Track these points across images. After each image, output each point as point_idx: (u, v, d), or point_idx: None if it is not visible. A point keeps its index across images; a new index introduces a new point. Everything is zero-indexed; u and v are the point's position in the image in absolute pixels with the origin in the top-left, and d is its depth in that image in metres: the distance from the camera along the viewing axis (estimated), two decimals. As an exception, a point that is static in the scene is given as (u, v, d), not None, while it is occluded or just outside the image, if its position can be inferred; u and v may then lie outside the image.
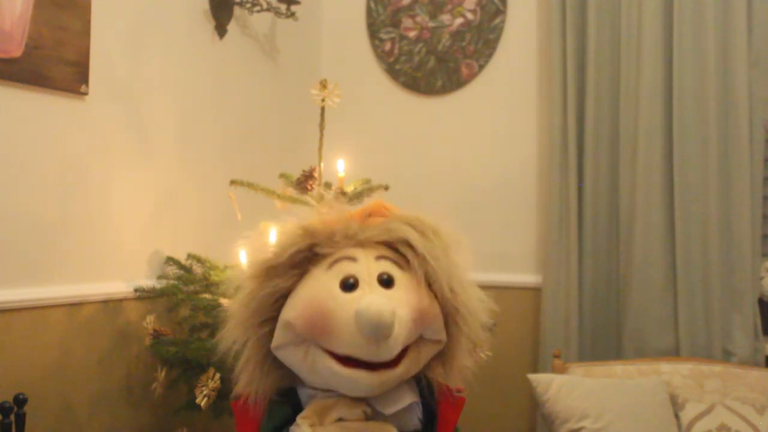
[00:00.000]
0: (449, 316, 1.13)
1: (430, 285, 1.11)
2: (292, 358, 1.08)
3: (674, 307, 2.44)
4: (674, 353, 2.42)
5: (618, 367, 2.31)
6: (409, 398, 1.13)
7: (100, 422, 1.89)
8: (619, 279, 2.54)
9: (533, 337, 2.69)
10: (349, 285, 1.05)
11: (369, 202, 1.18)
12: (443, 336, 1.12)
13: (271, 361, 1.12)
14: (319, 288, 1.06)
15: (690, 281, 2.42)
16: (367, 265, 1.08)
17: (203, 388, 1.66)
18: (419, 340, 1.09)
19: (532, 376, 2.23)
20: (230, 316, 1.15)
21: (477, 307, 1.14)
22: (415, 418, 1.14)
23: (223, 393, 1.69)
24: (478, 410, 2.66)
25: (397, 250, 1.12)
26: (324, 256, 1.10)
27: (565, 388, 2.15)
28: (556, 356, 2.39)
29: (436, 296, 1.11)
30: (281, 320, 1.08)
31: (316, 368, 1.05)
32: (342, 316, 1.02)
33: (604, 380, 2.23)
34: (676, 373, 2.24)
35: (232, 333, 1.12)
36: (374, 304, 0.99)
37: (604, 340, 2.57)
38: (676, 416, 2.14)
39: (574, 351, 2.52)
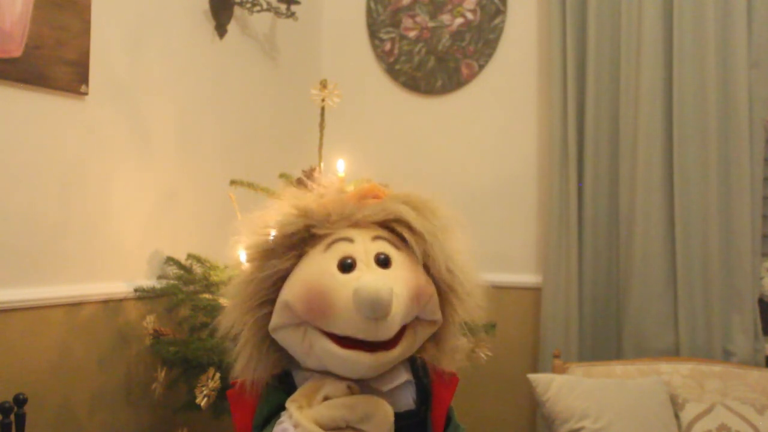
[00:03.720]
0: (445, 296, 1.13)
1: (426, 266, 1.11)
2: (290, 339, 1.08)
3: (674, 307, 2.44)
4: (674, 353, 2.42)
5: (618, 367, 2.31)
6: (404, 376, 1.13)
7: (100, 422, 1.89)
8: (619, 279, 2.54)
9: (533, 337, 2.69)
10: (347, 265, 1.05)
11: (364, 184, 1.18)
12: (439, 316, 1.12)
13: (269, 344, 1.12)
14: (317, 269, 1.06)
15: (690, 281, 2.42)
16: (364, 246, 1.08)
17: (203, 388, 1.66)
18: (415, 320, 1.09)
19: (532, 376, 2.23)
20: (228, 299, 1.15)
21: (474, 288, 1.14)
22: (410, 398, 1.14)
23: (223, 393, 1.69)
24: (479, 410, 2.66)
25: (393, 230, 1.12)
26: (321, 238, 1.10)
27: (565, 388, 2.15)
28: (556, 356, 2.39)
29: (432, 277, 1.11)
30: (279, 301, 1.08)
31: (314, 350, 1.06)
32: (340, 296, 1.01)
33: (604, 380, 2.23)
34: (676, 373, 2.24)
35: (231, 315, 1.12)
36: (372, 282, 0.99)
37: (604, 340, 2.57)
38: (676, 416, 2.14)
39: (574, 351, 2.52)
